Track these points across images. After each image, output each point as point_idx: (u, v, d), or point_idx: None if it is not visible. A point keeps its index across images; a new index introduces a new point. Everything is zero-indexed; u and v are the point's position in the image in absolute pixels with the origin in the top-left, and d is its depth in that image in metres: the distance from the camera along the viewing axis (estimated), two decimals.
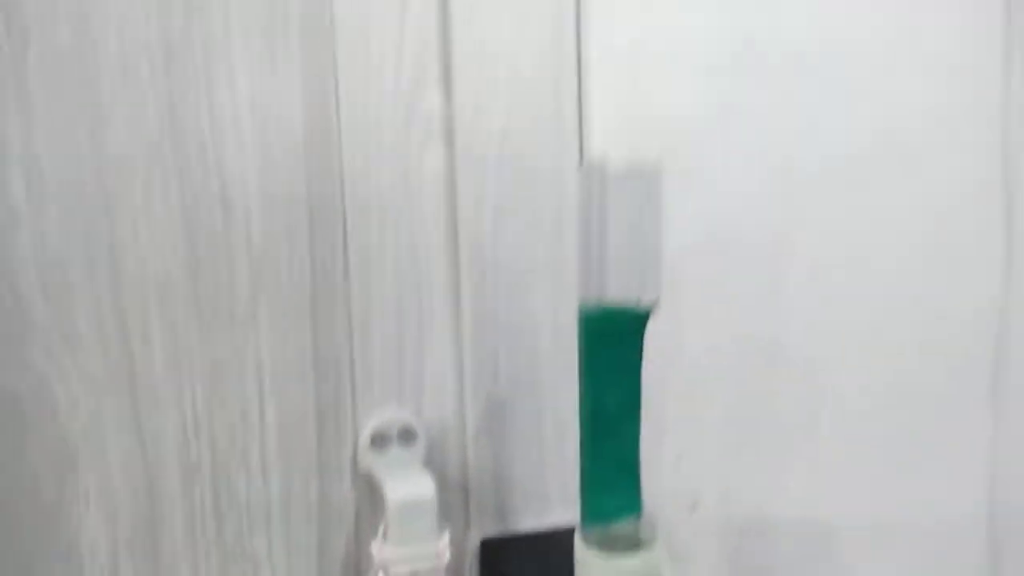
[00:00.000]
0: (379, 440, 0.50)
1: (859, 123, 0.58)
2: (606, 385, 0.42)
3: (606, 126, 0.51)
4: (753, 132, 0.55)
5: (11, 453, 0.43)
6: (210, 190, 0.45)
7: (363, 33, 0.47)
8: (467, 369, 0.51)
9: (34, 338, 0.43)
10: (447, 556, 0.47)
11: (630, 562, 0.43)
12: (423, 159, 0.49)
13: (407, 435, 0.50)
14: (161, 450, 0.46)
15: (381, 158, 0.48)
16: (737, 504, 0.58)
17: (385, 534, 0.46)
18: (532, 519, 0.53)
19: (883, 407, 0.62)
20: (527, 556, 0.51)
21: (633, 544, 0.43)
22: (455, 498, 0.52)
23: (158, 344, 0.45)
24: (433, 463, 0.51)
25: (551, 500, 0.53)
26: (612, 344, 0.42)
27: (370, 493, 0.49)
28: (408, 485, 0.47)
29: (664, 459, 0.56)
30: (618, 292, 0.42)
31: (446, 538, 0.47)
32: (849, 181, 0.59)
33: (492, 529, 0.52)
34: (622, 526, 0.44)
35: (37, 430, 0.43)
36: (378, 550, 0.46)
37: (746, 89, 0.55)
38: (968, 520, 0.66)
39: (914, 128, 0.59)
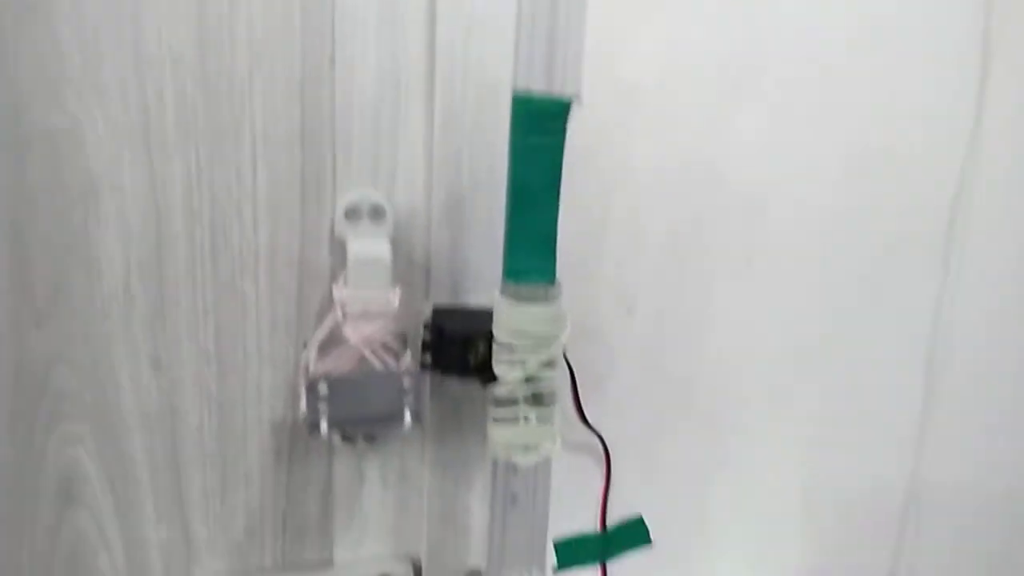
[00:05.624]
0: (352, 214, 0.59)
1: None
2: (529, 164, 0.49)
3: None
4: None
5: (47, 180, 0.53)
6: None
7: None
8: (435, 163, 0.59)
9: (69, 84, 0.52)
10: (396, 304, 0.56)
11: (534, 309, 0.51)
12: None
13: (377, 212, 0.59)
14: (168, 193, 0.55)
15: None
16: (669, 317, 0.66)
17: (346, 281, 0.56)
18: (477, 297, 0.61)
19: (819, 246, 0.68)
20: (465, 322, 0.60)
21: (540, 298, 0.52)
22: (417, 273, 0.61)
23: (170, 104, 0.54)
24: (399, 242, 0.60)
25: (494, 284, 0.61)
26: (536, 129, 0.49)
27: (343, 259, 0.58)
28: (368, 245, 0.56)
29: (603, 264, 0.64)
30: (543, 87, 0.49)
31: (398, 291, 0.56)
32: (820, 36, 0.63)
33: (444, 300, 0.61)
34: (535, 286, 0.52)
35: (68, 162, 0.53)
36: (338, 292, 0.56)
37: None
38: (905, 355, 0.73)
39: None
